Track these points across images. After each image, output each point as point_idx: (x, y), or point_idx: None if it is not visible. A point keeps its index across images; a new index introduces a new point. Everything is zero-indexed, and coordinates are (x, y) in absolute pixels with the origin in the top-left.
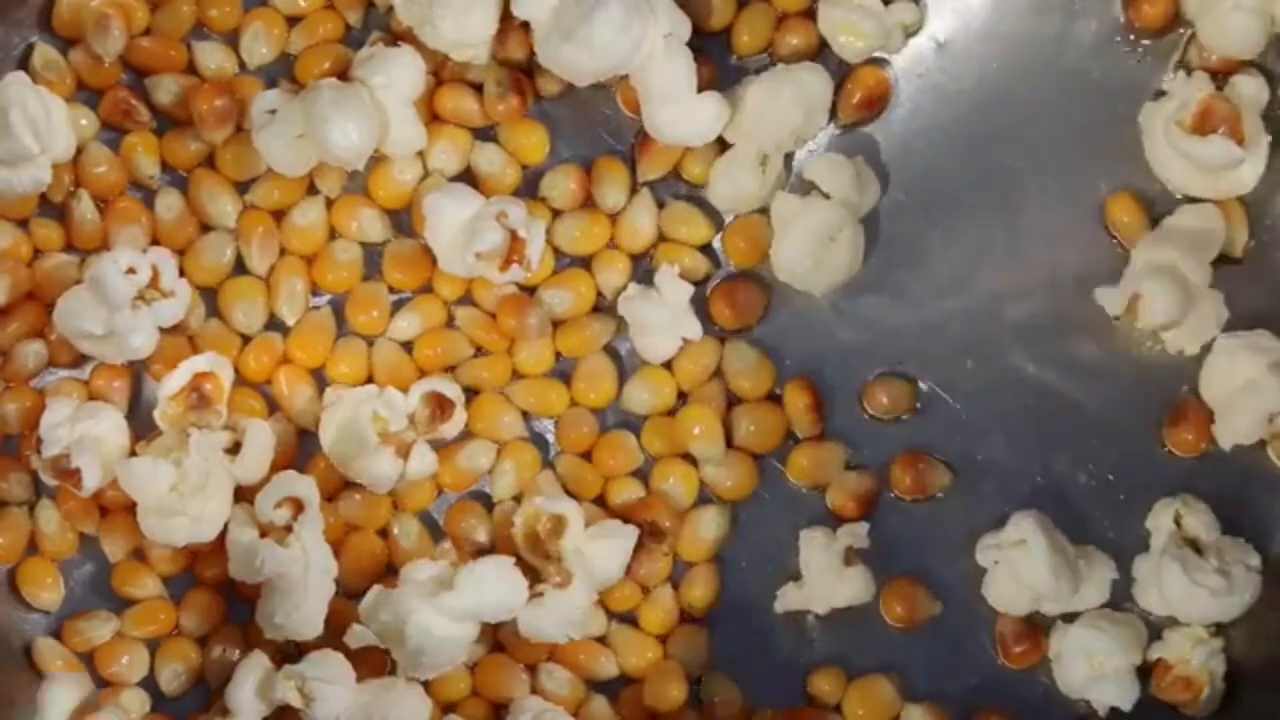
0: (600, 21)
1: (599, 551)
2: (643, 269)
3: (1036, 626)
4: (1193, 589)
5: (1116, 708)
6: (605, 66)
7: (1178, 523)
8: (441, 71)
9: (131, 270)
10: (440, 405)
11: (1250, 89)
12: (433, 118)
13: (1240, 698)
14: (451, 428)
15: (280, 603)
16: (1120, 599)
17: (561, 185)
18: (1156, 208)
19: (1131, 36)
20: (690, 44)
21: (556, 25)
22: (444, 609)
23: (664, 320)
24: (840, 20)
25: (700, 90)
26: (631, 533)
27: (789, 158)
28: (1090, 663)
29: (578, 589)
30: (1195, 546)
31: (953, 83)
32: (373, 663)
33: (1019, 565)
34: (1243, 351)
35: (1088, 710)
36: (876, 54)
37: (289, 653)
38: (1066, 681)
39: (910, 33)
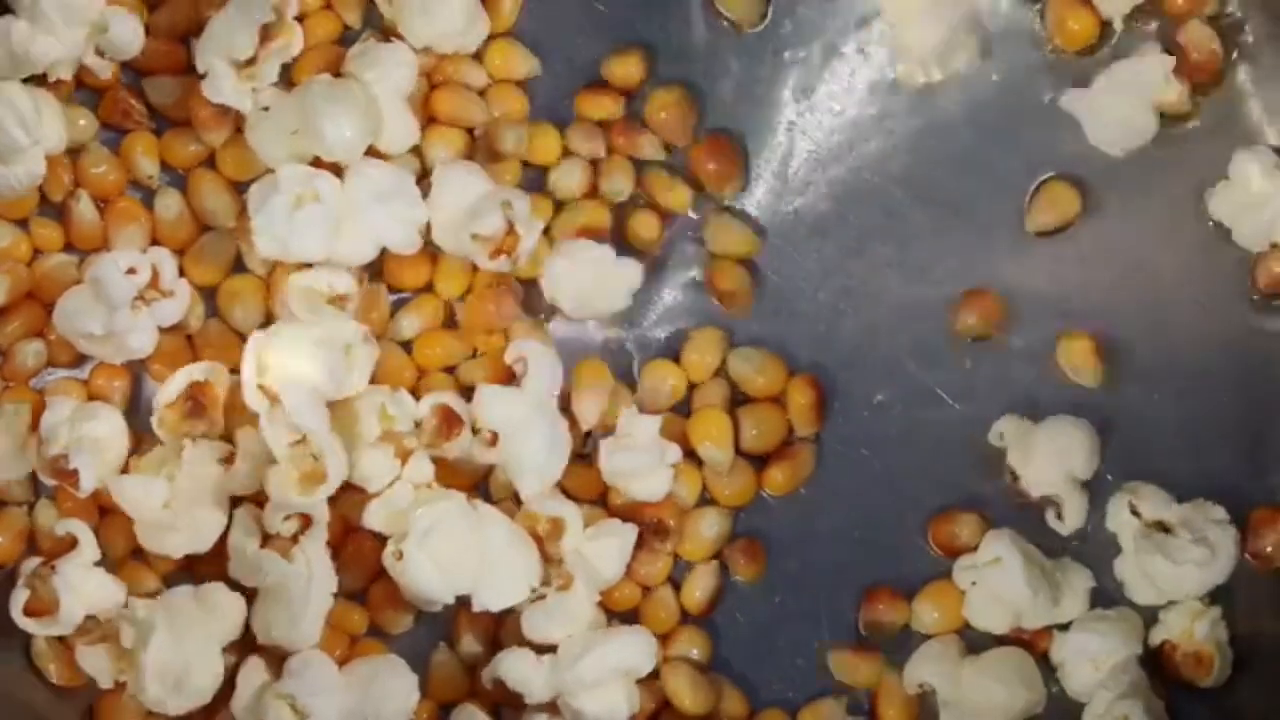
0: None
1: (599, 551)
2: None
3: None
4: (1180, 569)
5: None
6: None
7: (1135, 514)
8: (434, 74)
9: (131, 270)
10: (448, 420)
11: None
12: (430, 120)
13: (1250, 664)
14: (455, 447)
15: (279, 615)
16: (1110, 599)
17: (568, 181)
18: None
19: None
20: None
21: None
22: None
23: (647, 460)
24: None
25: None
26: (631, 531)
27: None
28: (1094, 664)
29: (579, 591)
30: (1163, 527)
31: (956, 91)
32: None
33: (997, 583)
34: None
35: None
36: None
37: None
38: (1075, 687)
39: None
